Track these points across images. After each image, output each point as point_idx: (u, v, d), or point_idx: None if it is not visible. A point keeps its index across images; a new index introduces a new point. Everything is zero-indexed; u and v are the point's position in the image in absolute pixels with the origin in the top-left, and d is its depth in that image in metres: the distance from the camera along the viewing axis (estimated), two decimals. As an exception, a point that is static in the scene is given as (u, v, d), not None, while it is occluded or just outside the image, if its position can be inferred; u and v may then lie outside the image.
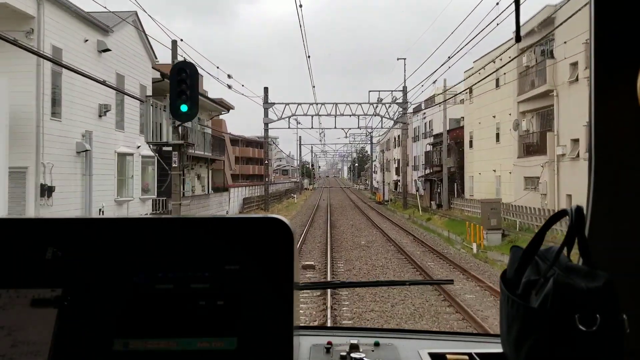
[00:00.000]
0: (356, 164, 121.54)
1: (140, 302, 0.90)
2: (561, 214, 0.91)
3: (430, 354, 1.15)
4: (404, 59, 39.45)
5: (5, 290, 0.90)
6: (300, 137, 77.04)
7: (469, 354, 1.12)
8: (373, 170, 77.90)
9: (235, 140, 78.98)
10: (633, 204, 1.04)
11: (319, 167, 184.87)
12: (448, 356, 1.13)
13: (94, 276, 0.92)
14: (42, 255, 0.92)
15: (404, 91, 38.38)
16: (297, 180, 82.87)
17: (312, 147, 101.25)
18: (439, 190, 34.84)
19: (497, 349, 1.02)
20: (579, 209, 0.85)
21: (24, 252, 0.92)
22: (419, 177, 40.07)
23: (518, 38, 1.26)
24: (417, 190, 37.48)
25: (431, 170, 38.91)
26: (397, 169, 59.61)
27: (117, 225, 0.98)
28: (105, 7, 13.22)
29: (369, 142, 75.66)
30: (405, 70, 39.01)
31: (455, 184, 33.85)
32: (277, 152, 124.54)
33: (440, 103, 36.12)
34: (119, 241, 0.94)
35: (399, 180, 59.89)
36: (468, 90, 31.03)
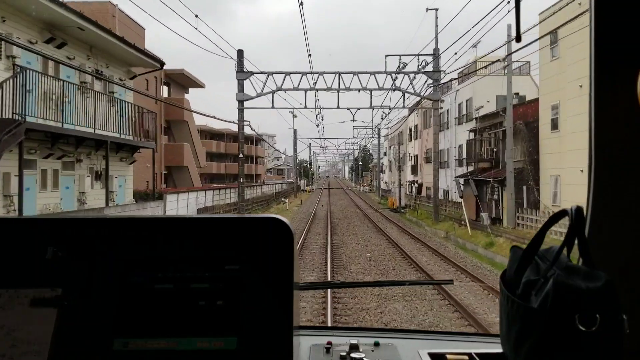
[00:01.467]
0: (360, 163, 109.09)
1: (140, 301, 0.90)
2: (561, 214, 0.90)
3: (430, 354, 1.15)
4: (436, 9, 27.70)
5: (5, 290, 0.90)
6: (295, 130, 65.52)
7: (469, 354, 1.12)
8: (381, 169, 66.33)
9: (220, 135, 67.83)
10: (633, 205, 1.04)
11: (318, 166, 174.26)
12: (448, 356, 1.13)
13: (94, 276, 0.92)
14: (42, 255, 0.92)
15: (436, 55, 26.70)
16: (291, 181, 70.85)
17: (310, 142, 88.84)
18: (494, 196, 23.16)
19: (497, 349, 1.03)
20: (579, 209, 0.86)
21: (24, 252, 0.93)
22: (457, 177, 28.64)
23: (518, 38, 1.21)
24: (460, 197, 25.93)
25: (474, 167, 27.23)
26: (414, 167, 47.97)
27: (117, 225, 0.97)
28: None
29: (376, 135, 64.09)
30: (437, 25, 27.26)
31: (525, 188, 22.14)
32: (274, 151, 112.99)
33: (495, 62, 24.52)
34: (119, 241, 0.94)
35: (417, 181, 48.32)
36: (549, 39, 19.34)
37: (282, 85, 26.21)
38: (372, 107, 27.67)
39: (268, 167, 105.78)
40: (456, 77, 30.79)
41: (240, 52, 26.22)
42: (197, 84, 38.14)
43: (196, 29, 16.14)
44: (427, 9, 27.77)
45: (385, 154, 68.01)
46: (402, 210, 35.51)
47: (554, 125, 20.70)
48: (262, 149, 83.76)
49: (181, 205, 23.32)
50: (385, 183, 67.56)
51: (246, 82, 26.53)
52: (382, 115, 35.56)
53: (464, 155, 31.34)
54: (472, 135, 28.25)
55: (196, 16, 16.12)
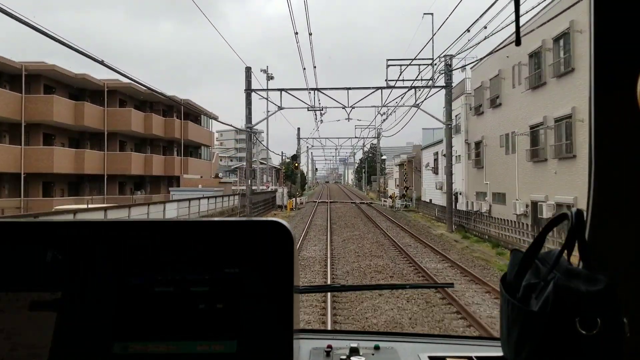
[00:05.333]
0: (382, 156, 69.20)
1: (139, 305, 0.90)
2: (561, 217, 0.90)
3: (431, 358, 1.14)
4: None
5: (5, 293, 0.90)
6: (249, 69, 28.05)
7: (469, 358, 1.11)
8: (448, 161, 28.71)
9: (74, 92, 31.32)
10: (633, 207, 1.03)
11: (315, 169, 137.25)
12: None
13: (94, 279, 0.91)
14: (42, 258, 0.92)
15: None
16: (243, 190, 31.48)
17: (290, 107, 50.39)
18: None
19: (498, 352, 1.02)
20: (579, 212, 0.86)
21: (23, 255, 0.92)
22: None
23: (518, 41, 1.19)
24: None
25: None
26: None
27: (117, 228, 0.97)
28: None
29: (438, 82, 27.19)
30: None
31: None
32: (262, 149, 75.75)
33: None
34: (118, 244, 0.94)
35: None
36: None
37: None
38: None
39: (232, 165, 68.39)
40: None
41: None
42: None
43: None
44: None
45: (456, 130, 30.14)
46: None
47: None
48: (209, 131, 45.33)
49: None
50: (457, 195, 29.72)
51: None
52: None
53: None
54: None
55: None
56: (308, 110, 26.66)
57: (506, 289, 0.93)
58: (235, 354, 0.87)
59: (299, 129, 53.46)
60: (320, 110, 26.81)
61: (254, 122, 25.77)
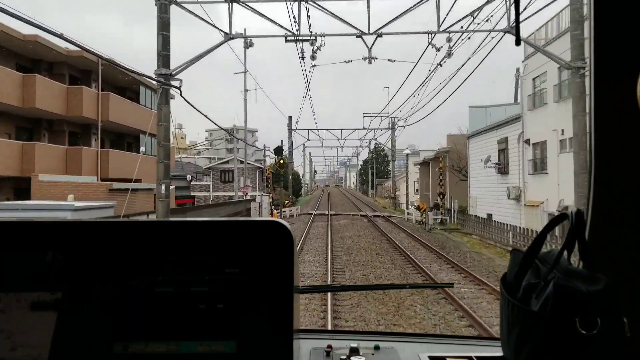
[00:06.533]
0: (389, 153, 51.68)
1: (140, 305, 0.90)
2: (561, 217, 0.90)
3: (431, 358, 1.14)
4: None
5: (5, 293, 0.90)
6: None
7: (470, 358, 1.12)
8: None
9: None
10: (633, 207, 1.03)
11: (315, 171, 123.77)
12: None
13: (94, 279, 0.92)
14: (42, 259, 0.92)
15: None
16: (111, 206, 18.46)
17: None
18: None
19: (498, 352, 1.02)
20: (579, 212, 0.86)
21: (23, 255, 0.92)
22: None
23: (518, 41, 1.19)
24: None
25: None
26: None
27: (118, 228, 0.97)
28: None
29: None
30: None
31: None
32: (256, 150, 61.99)
33: None
34: (119, 244, 0.94)
35: None
36: None
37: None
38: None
39: (209, 164, 54.63)
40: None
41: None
42: None
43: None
44: None
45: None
46: None
47: None
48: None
49: None
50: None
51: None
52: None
53: None
54: None
55: None
56: (286, 40, 12.90)
57: (506, 289, 0.93)
58: (235, 354, 0.87)
59: (290, 117, 40.23)
60: (311, 39, 13.03)
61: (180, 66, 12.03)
